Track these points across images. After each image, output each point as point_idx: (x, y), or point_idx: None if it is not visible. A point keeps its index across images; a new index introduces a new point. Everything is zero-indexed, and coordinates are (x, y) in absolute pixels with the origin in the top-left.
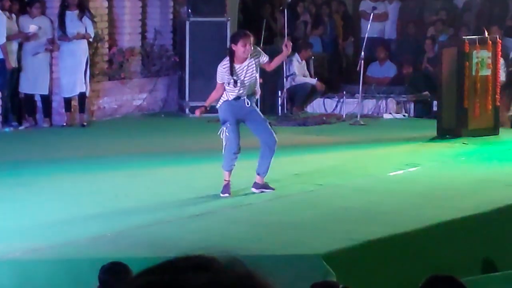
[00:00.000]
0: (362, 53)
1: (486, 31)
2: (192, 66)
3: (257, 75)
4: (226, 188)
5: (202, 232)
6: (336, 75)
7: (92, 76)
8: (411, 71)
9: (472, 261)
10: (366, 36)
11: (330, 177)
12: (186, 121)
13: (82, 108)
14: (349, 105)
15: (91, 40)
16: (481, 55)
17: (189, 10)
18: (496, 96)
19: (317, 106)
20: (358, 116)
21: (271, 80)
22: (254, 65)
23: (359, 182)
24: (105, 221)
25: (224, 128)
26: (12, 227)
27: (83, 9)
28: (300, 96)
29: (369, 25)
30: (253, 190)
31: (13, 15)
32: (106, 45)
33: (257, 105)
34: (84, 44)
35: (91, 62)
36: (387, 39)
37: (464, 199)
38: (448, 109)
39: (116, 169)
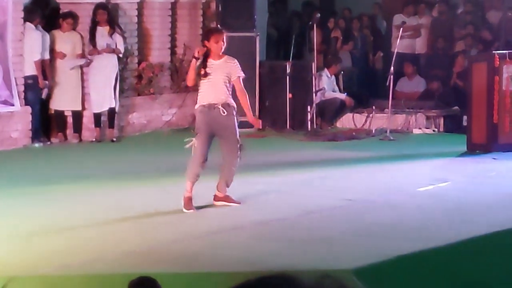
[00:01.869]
0: (392, 68)
1: None
2: None
3: (228, 85)
4: (189, 203)
5: (231, 248)
6: (366, 90)
7: (121, 91)
8: (440, 86)
9: (504, 277)
10: (396, 50)
11: (360, 192)
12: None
13: (111, 123)
14: (379, 120)
15: (121, 55)
16: (511, 70)
17: (219, 25)
18: None
19: (346, 121)
20: (388, 131)
21: (300, 95)
22: (226, 69)
23: (389, 197)
24: (134, 236)
25: (194, 140)
26: (41, 242)
27: (113, 25)
28: (330, 111)
29: (398, 40)
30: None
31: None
32: (136, 60)
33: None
34: (114, 59)
35: (120, 77)
36: (417, 54)
37: (495, 214)
38: (478, 124)
39: (145, 185)
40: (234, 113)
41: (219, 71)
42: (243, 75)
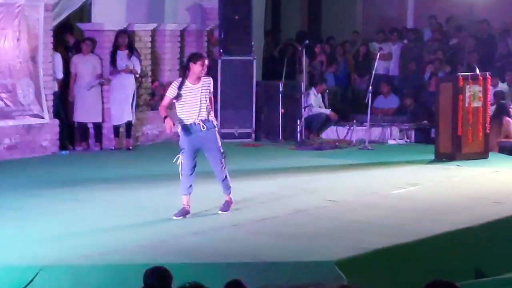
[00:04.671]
0: (370, 87)
1: (477, 69)
2: (223, 98)
3: (208, 102)
4: (182, 211)
5: (230, 242)
6: (347, 106)
7: (137, 106)
8: (412, 102)
9: (464, 269)
10: (374, 72)
11: (342, 194)
12: None
13: (128, 134)
14: (358, 132)
15: (137, 76)
16: (473, 89)
17: (221, 50)
18: (486, 125)
19: (330, 133)
20: (366, 142)
21: (291, 110)
22: (205, 91)
23: (367, 198)
24: (148, 231)
25: (180, 155)
26: (68, 236)
27: (132, 49)
28: (316, 124)
29: (376, 63)
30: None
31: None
32: (149, 80)
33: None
34: (132, 79)
35: (136, 94)
36: (391, 75)
37: (457, 214)
38: (444, 135)
39: (157, 187)
40: (214, 126)
41: (199, 92)
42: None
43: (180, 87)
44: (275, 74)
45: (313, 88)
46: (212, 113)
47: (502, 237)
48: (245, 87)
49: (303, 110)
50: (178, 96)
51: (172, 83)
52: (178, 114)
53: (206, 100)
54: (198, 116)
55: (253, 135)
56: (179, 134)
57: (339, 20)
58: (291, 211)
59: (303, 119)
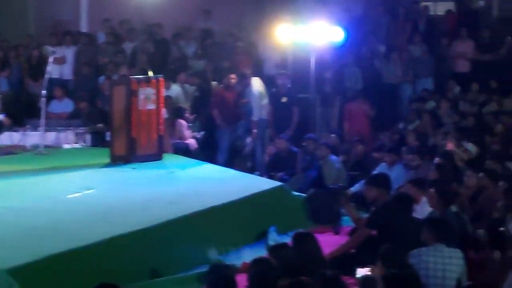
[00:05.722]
0: (44, 91)
1: (151, 72)
2: None
3: None
4: None
5: None
6: (21, 111)
7: None
8: (87, 106)
9: (141, 270)
10: (48, 77)
11: (15, 200)
12: None
13: None
14: (33, 137)
15: None
16: (147, 92)
17: None
18: (160, 126)
19: (4, 138)
20: (41, 147)
21: None
22: None
23: (42, 204)
24: None
25: None
26: None
27: None
28: None
29: (49, 67)
30: None
31: None
32: None
33: None
34: None
35: None
36: (65, 79)
37: (133, 216)
38: (119, 138)
39: None
40: None
41: None
42: None
43: None
44: None
45: None
46: None
47: (177, 236)
48: None
49: None
50: None
51: None
52: None
53: None
54: None
55: None
56: None
57: (12, 23)
58: None
59: None
